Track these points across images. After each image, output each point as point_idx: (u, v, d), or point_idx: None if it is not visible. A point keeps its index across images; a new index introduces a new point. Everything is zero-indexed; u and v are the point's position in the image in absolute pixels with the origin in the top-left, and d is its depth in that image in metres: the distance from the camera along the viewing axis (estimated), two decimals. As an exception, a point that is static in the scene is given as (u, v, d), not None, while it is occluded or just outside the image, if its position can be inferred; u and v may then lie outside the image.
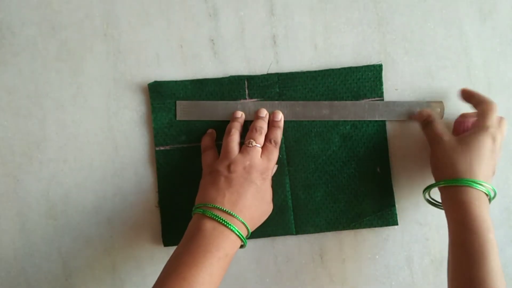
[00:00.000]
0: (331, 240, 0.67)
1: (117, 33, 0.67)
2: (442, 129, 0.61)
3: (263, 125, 0.64)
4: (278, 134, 0.64)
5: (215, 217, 0.56)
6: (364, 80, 0.66)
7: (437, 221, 0.67)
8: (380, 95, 0.67)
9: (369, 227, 0.66)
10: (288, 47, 0.68)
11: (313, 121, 0.67)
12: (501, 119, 0.61)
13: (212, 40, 0.68)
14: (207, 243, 0.54)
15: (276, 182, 0.65)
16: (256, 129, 0.62)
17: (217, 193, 0.58)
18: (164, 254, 0.66)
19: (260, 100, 0.66)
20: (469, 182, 0.56)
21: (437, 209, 0.63)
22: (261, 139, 0.62)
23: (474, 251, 0.53)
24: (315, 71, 0.66)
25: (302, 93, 0.67)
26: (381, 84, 0.67)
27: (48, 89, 0.67)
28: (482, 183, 0.56)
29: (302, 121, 0.67)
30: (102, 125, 0.67)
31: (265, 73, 0.67)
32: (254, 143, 0.61)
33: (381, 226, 0.66)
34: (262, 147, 0.62)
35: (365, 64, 0.67)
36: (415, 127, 0.67)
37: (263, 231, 0.65)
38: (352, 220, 0.66)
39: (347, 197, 0.66)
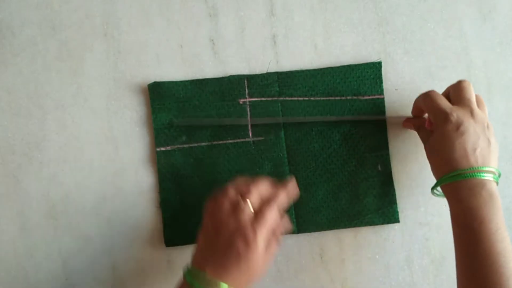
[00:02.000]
0: (331, 240, 0.66)
1: (117, 33, 0.67)
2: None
3: (263, 186, 0.58)
4: (283, 198, 0.58)
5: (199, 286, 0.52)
6: (364, 77, 0.66)
7: (437, 221, 0.67)
8: (380, 92, 0.67)
9: (371, 225, 0.66)
10: (288, 47, 0.67)
11: (313, 119, 0.66)
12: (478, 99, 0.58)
13: (212, 40, 0.67)
14: None
15: (277, 181, 0.63)
16: (250, 190, 0.57)
17: (202, 260, 0.55)
18: (164, 255, 0.66)
19: (260, 99, 0.66)
20: (462, 175, 0.53)
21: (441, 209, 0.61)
22: (253, 198, 0.56)
23: (479, 255, 0.51)
24: (314, 70, 0.66)
25: (302, 91, 0.66)
26: (381, 81, 0.66)
27: (48, 89, 0.67)
28: (479, 169, 0.53)
29: (303, 119, 0.66)
30: (102, 125, 0.67)
31: (265, 72, 0.67)
32: (243, 203, 0.55)
33: (382, 223, 0.65)
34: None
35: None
36: None
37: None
38: (353, 218, 0.66)
39: (348, 195, 0.66)
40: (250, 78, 0.67)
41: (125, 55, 0.67)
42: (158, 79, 0.67)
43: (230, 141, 0.66)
